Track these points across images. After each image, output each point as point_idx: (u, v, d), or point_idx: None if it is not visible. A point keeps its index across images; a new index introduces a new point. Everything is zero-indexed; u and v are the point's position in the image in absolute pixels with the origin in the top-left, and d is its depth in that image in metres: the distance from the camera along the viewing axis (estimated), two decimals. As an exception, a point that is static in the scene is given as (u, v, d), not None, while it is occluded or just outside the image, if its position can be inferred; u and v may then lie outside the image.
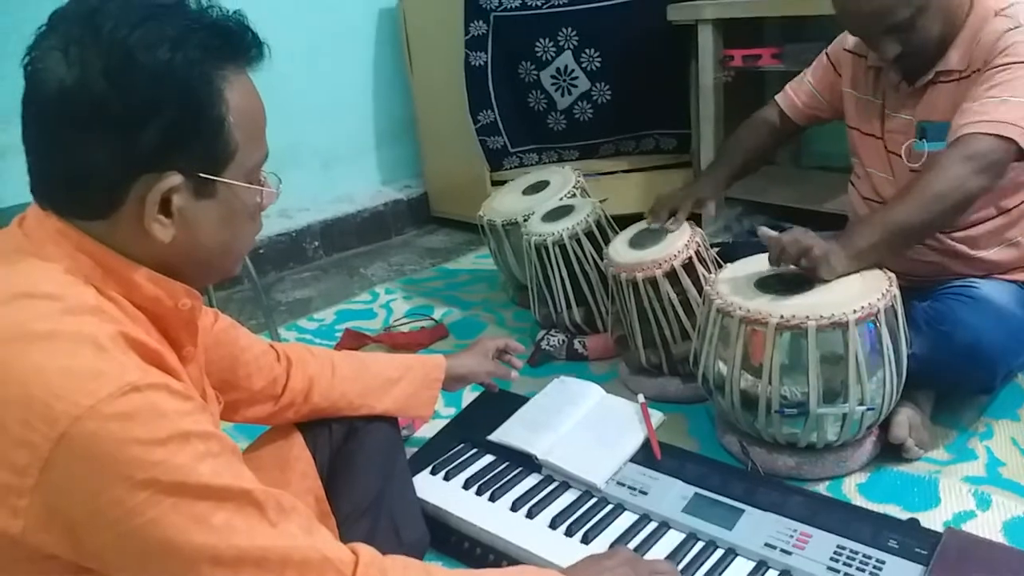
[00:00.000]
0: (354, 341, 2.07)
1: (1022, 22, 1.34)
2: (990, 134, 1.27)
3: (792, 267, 1.33)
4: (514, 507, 1.28)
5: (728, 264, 1.52)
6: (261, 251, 2.76)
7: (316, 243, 2.93)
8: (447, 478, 1.37)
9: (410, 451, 1.47)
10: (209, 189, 0.75)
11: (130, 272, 0.75)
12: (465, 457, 1.42)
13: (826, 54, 1.68)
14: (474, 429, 1.47)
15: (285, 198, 3.04)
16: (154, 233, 0.74)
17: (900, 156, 1.50)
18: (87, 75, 0.68)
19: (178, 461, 0.67)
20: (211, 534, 0.69)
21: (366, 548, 0.82)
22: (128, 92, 0.69)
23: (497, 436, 1.42)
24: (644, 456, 1.35)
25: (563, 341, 1.94)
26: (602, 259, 1.76)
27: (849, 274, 1.33)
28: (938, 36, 1.38)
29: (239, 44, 0.76)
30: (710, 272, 1.60)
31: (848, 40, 1.62)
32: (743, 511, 1.19)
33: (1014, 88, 1.29)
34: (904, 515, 1.25)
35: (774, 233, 1.35)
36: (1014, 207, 1.45)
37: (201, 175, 0.74)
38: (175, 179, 0.72)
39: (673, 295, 1.60)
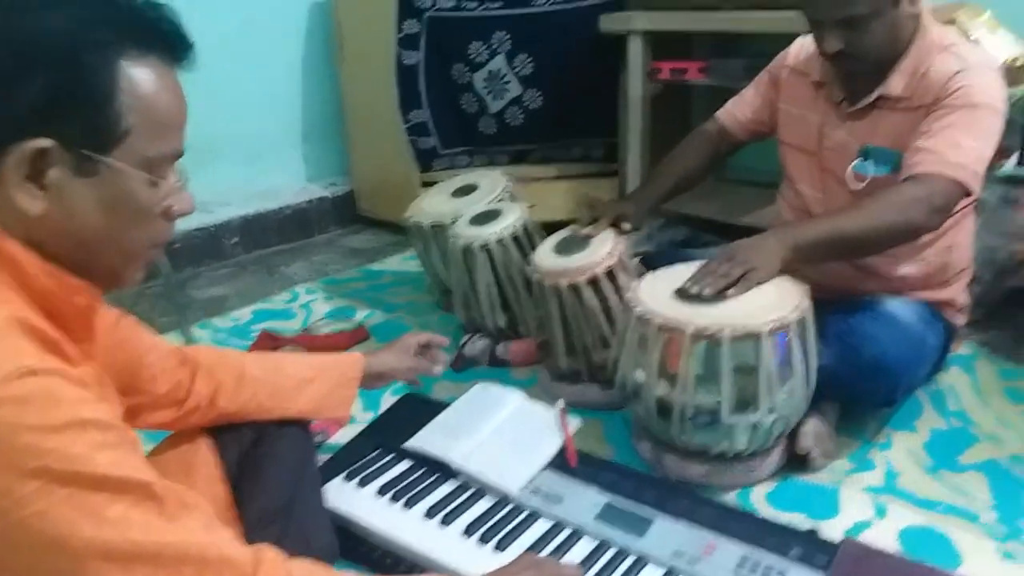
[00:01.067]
0: (270, 343, 2.01)
1: (970, 63, 1.40)
2: (950, 177, 1.33)
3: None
4: (428, 515, 1.26)
5: (649, 272, 1.54)
6: (176, 246, 2.66)
7: (235, 239, 2.84)
8: (361, 485, 1.34)
9: (325, 457, 1.44)
10: (91, 167, 0.71)
11: (22, 260, 0.71)
12: (380, 463, 1.39)
13: (767, 71, 1.72)
14: (391, 435, 1.45)
15: (206, 191, 2.97)
16: (19, 201, 0.69)
17: (834, 174, 1.55)
18: None
19: (73, 450, 0.64)
20: (104, 527, 0.65)
21: (270, 548, 0.79)
22: (8, 51, 0.67)
23: (414, 443, 1.40)
24: (560, 463, 1.35)
25: (486, 346, 1.93)
26: (528, 265, 1.76)
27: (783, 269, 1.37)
28: (880, 50, 1.42)
29: (155, 31, 0.74)
30: (632, 280, 1.62)
31: (790, 57, 1.66)
32: (653, 519, 1.20)
33: (967, 131, 1.35)
34: (808, 524, 1.29)
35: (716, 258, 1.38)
36: (942, 231, 1.50)
37: (83, 151, 0.71)
38: (43, 142, 0.69)
39: (595, 302, 1.61)
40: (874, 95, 1.47)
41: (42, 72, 0.68)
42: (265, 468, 1.18)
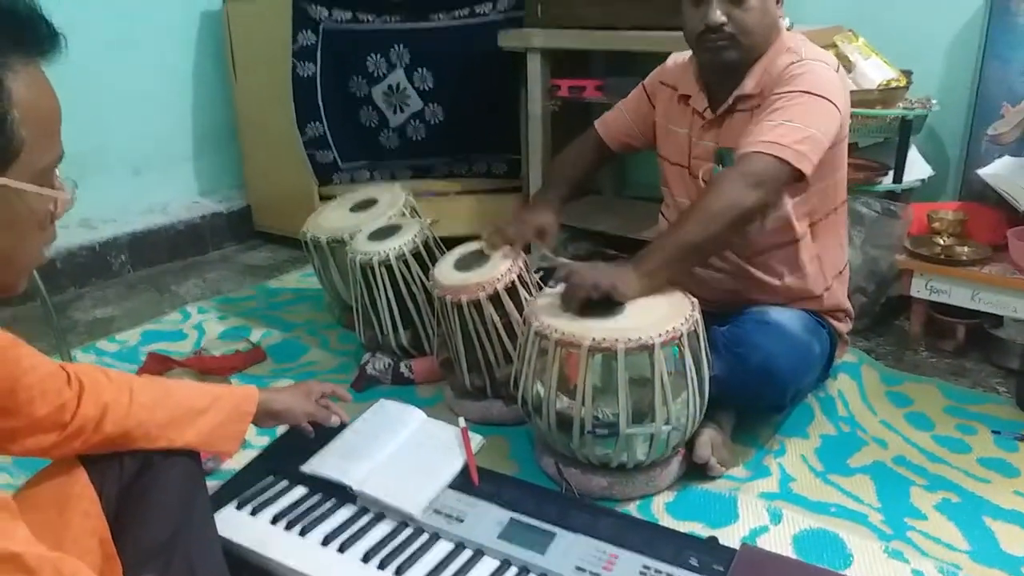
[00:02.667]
0: (159, 365, 1.90)
1: (803, 56, 1.47)
2: (765, 153, 1.38)
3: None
4: (325, 542, 1.21)
5: (547, 287, 1.54)
6: (58, 265, 2.51)
7: (123, 257, 2.70)
8: (254, 513, 1.29)
9: (215, 484, 1.37)
10: None
11: None
12: (275, 490, 1.34)
13: (643, 85, 1.76)
14: (286, 460, 1.39)
15: (89, 207, 2.82)
16: None
17: (704, 182, 1.59)
18: None
19: None
20: None
21: None
22: None
23: (310, 467, 1.35)
24: (462, 482, 1.33)
25: (388, 365, 1.89)
26: (429, 280, 1.73)
27: (657, 295, 1.39)
28: (755, 35, 1.46)
29: (27, 33, 0.69)
30: (532, 295, 1.62)
31: (663, 73, 1.70)
32: (555, 534, 1.19)
33: (790, 113, 1.40)
34: (707, 532, 1.32)
35: (560, 261, 1.39)
36: (799, 239, 1.57)
37: None
38: None
39: (496, 318, 1.60)
40: (732, 97, 1.52)
41: None
42: (149, 500, 1.11)
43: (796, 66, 1.45)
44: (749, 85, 1.50)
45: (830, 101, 1.43)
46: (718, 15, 1.43)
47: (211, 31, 2.87)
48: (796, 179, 1.41)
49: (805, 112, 1.41)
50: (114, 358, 2.07)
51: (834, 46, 2.20)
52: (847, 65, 2.19)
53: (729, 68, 1.50)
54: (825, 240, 1.62)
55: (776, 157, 1.37)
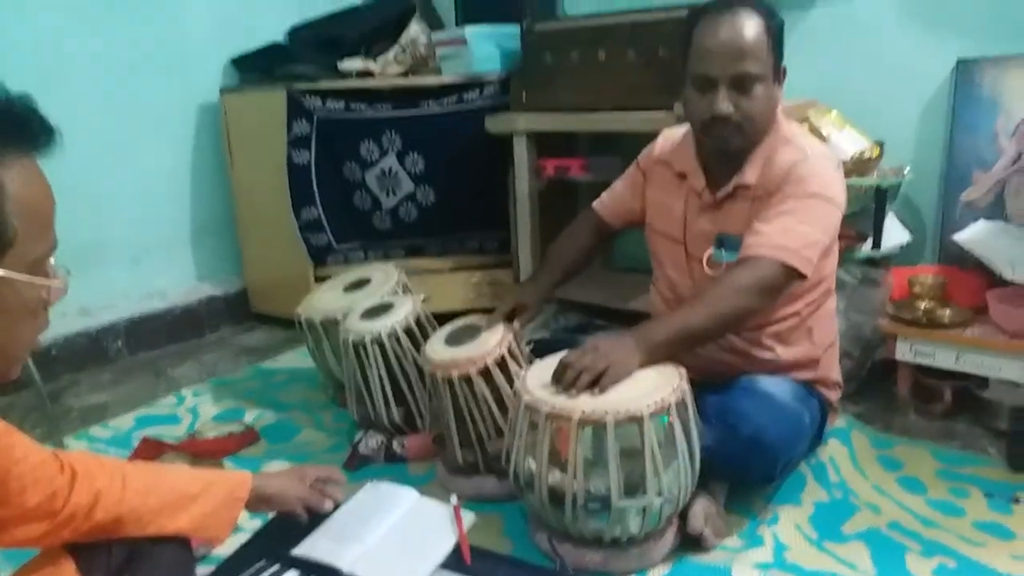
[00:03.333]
0: (151, 451, 1.90)
1: (808, 154, 1.52)
2: (775, 259, 1.43)
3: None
4: (316, 626, 1.21)
5: (538, 360, 1.57)
6: (54, 352, 2.53)
7: (119, 342, 2.72)
8: (245, 599, 1.28)
9: (207, 571, 1.36)
10: None
11: None
12: (266, 575, 1.33)
13: (637, 163, 1.81)
14: (277, 543, 1.39)
15: (87, 295, 2.85)
16: None
17: (700, 261, 1.63)
18: None
19: None
20: None
21: None
22: None
23: (301, 551, 1.34)
24: (455, 560, 1.33)
25: (381, 443, 1.90)
26: (420, 357, 1.76)
27: (642, 367, 1.41)
28: (759, 121, 1.50)
29: (22, 128, 0.73)
30: (522, 368, 1.64)
31: (656, 148, 1.76)
32: (549, 611, 1.19)
33: (800, 217, 1.46)
34: (702, 604, 1.31)
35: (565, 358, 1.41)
36: (791, 315, 1.61)
37: None
38: None
39: (487, 393, 1.62)
40: (731, 184, 1.57)
41: None
42: (139, 589, 1.10)
43: (803, 165, 1.49)
44: (750, 175, 1.54)
45: (833, 203, 1.50)
46: (727, 106, 1.47)
47: (208, 122, 2.97)
48: (797, 281, 1.47)
49: (814, 216, 1.46)
50: (106, 444, 2.07)
51: (807, 119, 2.29)
52: (820, 138, 2.27)
53: (732, 154, 1.55)
54: (816, 315, 1.65)
55: (785, 264, 1.43)
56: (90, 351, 2.65)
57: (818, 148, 1.57)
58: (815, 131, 2.28)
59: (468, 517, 1.41)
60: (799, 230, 1.45)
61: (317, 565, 1.32)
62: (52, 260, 0.79)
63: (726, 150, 1.54)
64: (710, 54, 1.47)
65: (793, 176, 1.49)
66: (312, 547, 1.35)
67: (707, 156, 1.61)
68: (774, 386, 1.58)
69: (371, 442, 1.90)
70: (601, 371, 1.36)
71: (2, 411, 2.18)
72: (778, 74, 1.52)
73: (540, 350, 1.74)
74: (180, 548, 1.17)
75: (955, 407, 2.02)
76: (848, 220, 2.31)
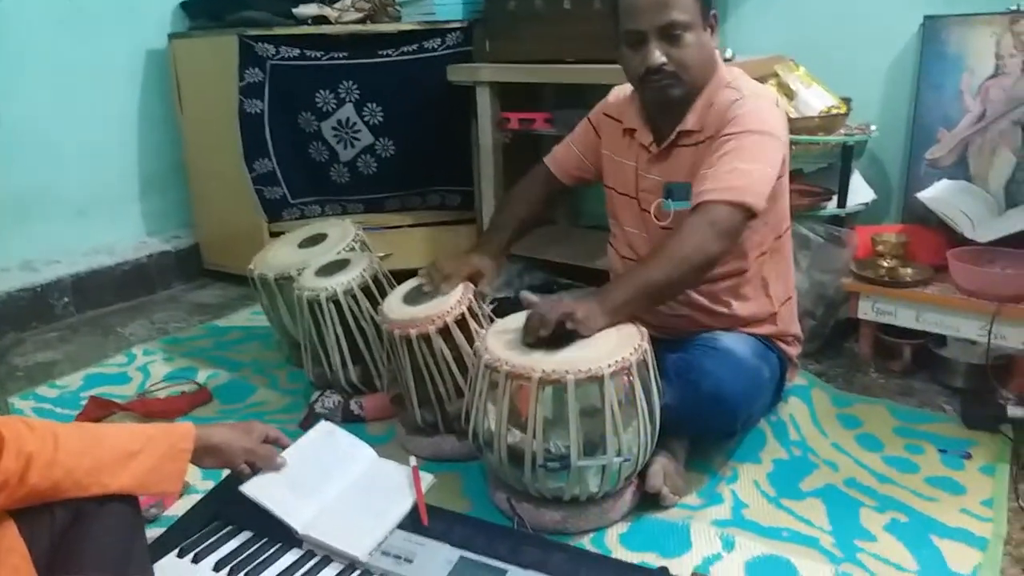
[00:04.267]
0: (99, 410, 1.84)
1: (744, 93, 1.50)
2: (724, 202, 1.40)
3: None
4: (270, 588, 1.18)
5: (498, 319, 1.53)
6: (-4, 308, 2.43)
7: (66, 299, 2.62)
8: (196, 560, 1.25)
9: (157, 532, 1.32)
10: None
11: None
12: (218, 536, 1.30)
13: (588, 118, 1.78)
14: (230, 503, 1.34)
15: (31, 249, 2.76)
16: None
17: (651, 214, 1.60)
18: None
19: None
20: None
21: None
22: None
23: (250, 489, 1.28)
24: (412, 521, 1.30)
25: (338, 402, 1.86)
26: (378, 315, 1.71)
27: (606, 328, 1.39)
28: (694, 70, 1.48)
29: None
30: (482, 327, 1.61)
31: (607, 105, 1.72)
32: (507, 571, 1.18)
33: (742, 156, 1.43)
34: (661, 562, 1.30)
35: (535, 298, 1.40)
36: (743, 269, 1.59)
37: None
38: None
39: (447, 352, 1.58)
40: (675, 132, 1.55)
41: None
42: (83, 552, 1.06)
43: (738, 104, 1.48)
44: (691, 121, 1.53)
45: (774, 136, 1.47)
46: (658, 56, 1.45)
47: (157, 70, 2.84)
48: (752, 217, 1.44)
49: (756, 152, 1.44)
50: (54, 404, 2.00)
51: (776, 75, 2.26)
52: (788, 93, 2.24)
53: (673, 104, 1.53)
54: (772, 268, 1.64)
55: (734, 203, 1.40)
56: (35, 308, 2.55)
57: (754, 87, 1.55)
58: (783, 87, 2.25)
59: (427, 479, 1.38)
60: (743, 168, 1.43)
61: (269, 522, 1.27)
62: None
63: (666, 101, 1.52)
64: (635, 8, 1.46)
65: (730, 116, 1.47)
66: (262, 491, 1.29)
67: (650, 110, 1.60)
68: (733, 342, 1.57)
69: (328, 402, 1.86)
70: (565, 321, 1.34)
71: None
72: (707, 20, 1.50)
73: (503, 309, 1.70)
74: (126, 507, 1.13)
75: (914, 365, 2.04)
76: (814, 177, 2.32)
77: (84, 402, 1.92)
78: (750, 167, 1.43)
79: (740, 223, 1.43)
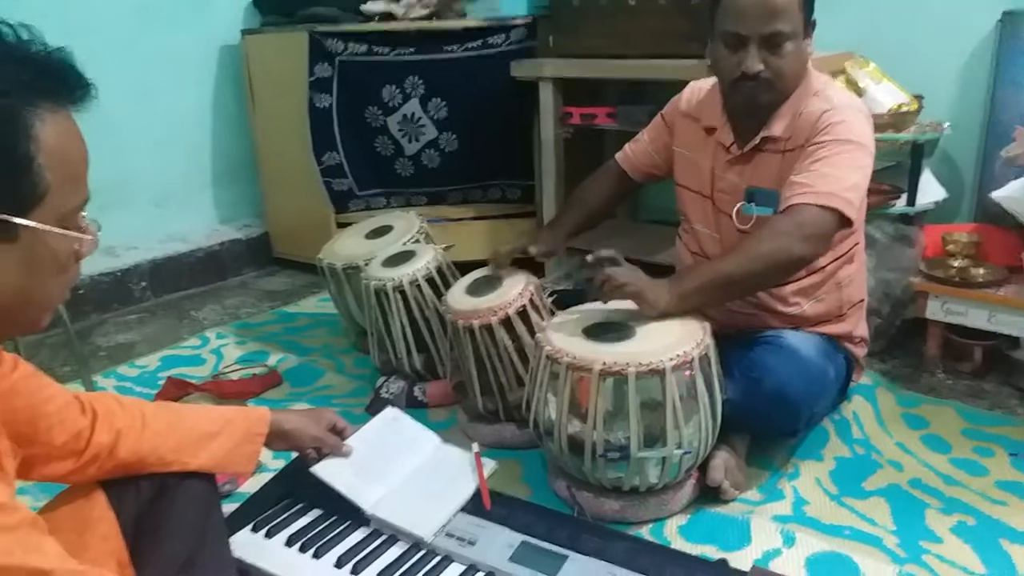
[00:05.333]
0: (176, 390, 1.93)
1: (835, 103, 1.48)
2: (815, 205, 1.39)
3: (613, 305, 1.39)
4: (339, 563, 1.22)
5: (560, 311, 1.56)
6: (81, 291, 2.56)
7: (144, 283, 2.75)
8: (269, 535, 1.30)
9: (232, 507, 1.38)
10: (10, 232, 0.69)
11: None
12: (289, 513, 1.35)
13: (662, 115, 1.77)
14: (300, 482, 1.40)
15: (111, 236, 2.89)
16: None
17: (728, 215, 1.60)
18: None
19: None
20: None
21: None
22: None
23: (320, 470, 1.33)
24: (475, 505, 1.33)
25: (402, 388, 1.91)
26: (442, 305, 1.75)
27: (670, 319, 1.40)
28: (788, 79, 1.47)
29: (58, 82, 0.72)
30: (544, 320, 1.63)
31: (682, 102, 1.72)
32: (567, 557, 1.19)
33: (835, 163, 1.42)
34: (719, 555, 1.31)
35: (607, 253, 1.43)
36: (819, 269, 1.58)
37: (3, 217, 0.68)
38: None
39: (508, 342, 1.61)
40: (759, 137, 1.54)
41: None
42: (165, 523, 1.12)
43: (831, 114, 1.46)
44: (777, 128, 1.51)
45: (865, 148, 1.46)
46: (757, 63, 1.44)
47: (230, 64, 2.94)
48: (843, 226, 1.43)
49: (848, 161, 1.43)
50: (134, 383, 2.10)
51: (844, 72, 2.22)
52: (858, 91, 2.20)
53: (761, 109, 1.52)
54: (844, 271, 1.62)
55: (826, 208, 1.39)
56: (116, 291, 2.67)
57: (845, 98, 1.54)
58: (852, 84, 2.21)
59: (488, 464, 1.41)
60: (836, 174, 1.42)
61: (338, 501, 1.32)
62: (84, 213, 0.78)
63: (755, 106, 1.51)
64: (741, 12, 1.44)
65: (822, 126, 1.46)
66: (332, 474, 1.33)
67: (735, 111, 1.58)
68: (799, 341, 1.56)
69: (393, 387, 1.91)
70: (636, 292, 1.38)
71: (32, 349, 2.22)
72: (808, 28, 1.48)
73: (562, 301, 1.73)
74: (205, 484, 1.19)
75: (984, 367, 1.99)
76: (883, 175, 2.27)
77: (162, 382, 2.01)
78: (844, 175, 1.42)
79: (830, 228, 1.42)
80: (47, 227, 0.72)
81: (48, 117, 0.70)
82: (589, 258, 1.46)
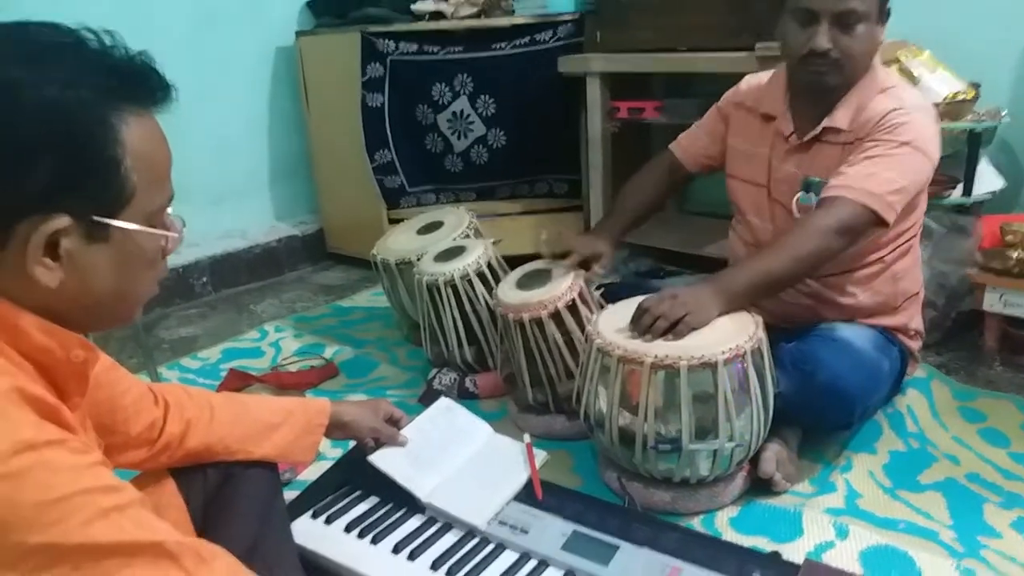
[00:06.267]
0: (238, 381, 2.01)
1: (906, 104, 1.46)
2: (856, 201, 1.39)
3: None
4: (396, 550, 1.26)
5: (610, 304, 1.57)
6: (145, 287, 2.65)
7: (204, 279, 2.84)
8: (328, 522, 1.34)
9: (292, 495, 1.43)
10: (102, 233, 0.72)
11: (17, 319, 0.71)
12: (347, 500, 1.39)
13: (717, 107, 1.77)
14: (358, 471, 1.44)
15: (172, 233, 2.90)
16: (38, 277, 0.69)
17: (783, 205, 1.60)
18: None
19: (75, 521, 0.63)
20: None
21: None
22: (12, 132, 0.66)
23: (377, 459, 1.37)
24: (527, 495, 1.36)
25: (455, 379, 1.95)
26: (492, 299, 1.79)
27: (721, 315, 1.41)
28: (857, 60, 1.45)
29: (141, 85, 0.74)
30: (593, 313, 1.65)
31: (739, 93, 1.71)
32: (619, 547, 1.21)
33: (887, 163, 1.41)
34: (771, 547, 1.32)
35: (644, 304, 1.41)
36: (875, 261, 1.57)
37: (94, 218, 0.71)
38: (62, 221, 0.69)
39: (558, 335, 1.64)
40: (820, 127, 1.52)
41: (51, 152, 0.67)
42: (231, 509, 1.17)
43: (898, 114, 1.44)
44: (841, 119, 1.50)
45: (927, 155, 1.44)
46: (826, 41, 1.42)
47: (285, 65, 3.02)
48: (878, 226, 1.43)
49: (904, 165, 1.42)
50: (196, 374, 2.18)
51: (898, 61, 2.18)
52: (912, 80, 2.16)
53: (825, 92, 1.50)
54: (900, 263, 1.61)
55: (866, 207, 1.39)
56: (178, 286, 2.77)
57: (917, 99, 1.51)
58: (905, 73, 2.17)
59: (540, 455, 1.44)
60: (885, 176, 1.40)
61: (394, 489, 1.35)
62: (169, 211, 0.81)
63: (819, 88, 1.49)
64: None
65: (887, 124, 1.44)
66: (389, 463, 1.37)
67: (797, 95, 1.56)
68: (853, 333, 1.55)
69: (445, 379, 1.95)
70: (679, 318, 1.36)
71: (101, 341, 2.31)
72: (882, 14, 1.46)
73: (609, 295, 1.74)
74: (268, 472, 1.24)
75: (1045, 360, 1.94)
76: (939, 165, 2.22)
77: (223, 373, 2.09)
78: (893, 177, 1.40)
79: (864, 227, 1.42)
80: (136, 227, 0.74)
81: (133, 120, 0.72)
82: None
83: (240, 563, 0.77)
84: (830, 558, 1.31)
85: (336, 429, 1.34)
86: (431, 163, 2.78)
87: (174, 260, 2.75)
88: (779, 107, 1.59)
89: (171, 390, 1.19)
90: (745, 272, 1.45)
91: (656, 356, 1.32)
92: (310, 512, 1.36)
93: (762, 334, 1.38)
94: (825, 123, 1.51)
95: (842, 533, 1.37)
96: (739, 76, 1.76)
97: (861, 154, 1.44)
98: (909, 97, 1.49)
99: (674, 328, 1.36)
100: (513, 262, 1.95)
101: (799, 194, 1.56)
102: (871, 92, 1.48)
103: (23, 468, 0.63)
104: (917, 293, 1.69)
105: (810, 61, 1.45)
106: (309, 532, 1.30)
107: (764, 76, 1.67)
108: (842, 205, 1.40)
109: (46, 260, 0.70)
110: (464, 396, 1.93)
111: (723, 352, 1.31)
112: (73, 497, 0.64)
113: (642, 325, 1.38)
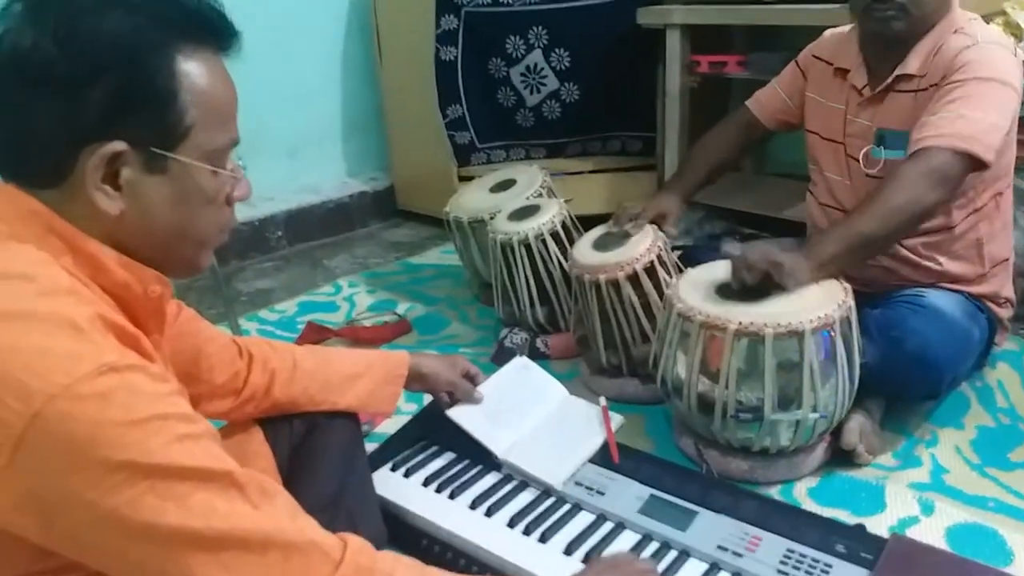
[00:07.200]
0: (316, 335, 2.05)
1: (979, 39, 1.39)
2: (946, 148, 1.32)
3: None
4: (473, 505, 1.28)
5: (690, 268, 1.54)
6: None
7: (279, 233, 2.90)
8: (407, 475, 1.37)
9: (370, 447, 1.46)
10: (160, 164, 0.74)
11: (99, 255, 0.74)
12: (425, 455, 1.42)
13: (796, 61, 1.72)
14: (435, 427, 1.47)
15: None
16: (98, 203, 0.72)
17: (858, 161, 1.54)
18: (40, 37, 0.69)
19: (155, 442, 0.67)
20: (190, 516, 0.68)
21: (355, 537, 0.81)
22: (74, 54, 0.69)
23: (455, 414, 1.39)
24: (602, 458, 1.36)
25: (526, 339, 1.95)
26: (567, 260, 1.77)
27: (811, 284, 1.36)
28: (929, 6, 1.40)
29: (204, 26, 0.76)
30: (671, 276, 1.63)
31: (817, 47, 1.66)
32: (697, 513, 1.21)
33: (970, 103, 1.34)
34: (852, 520, 1.29)
35: (738, 251, 1.38)
36: (956, 225, 1.50)
37: (152, 149, 0.73)
38: (118, 145, 0.71)
39: (634, 298, 1.62)
40: (892, 76, 1.46)
41: (109, 76, 0.70)
42: (316, 459, 1.21)
43: (970, 51, 1.37)
44: (913, 64, 1.44)
45: (1007, 85, 1.36)
46: None
47: (359, 18, 3.00)
48: (978, 169, 1.35)
49: (988, 100, 1.35)
50: (274, 326, 2.24)
51: (1003, 13, 2.05)
52: (1016, 33, 2.03)
53: (895, 40, 1.44)
54: (987, 227, 1.53)
55: (958, 151, 1.32)
56: (253, 239, 2.83)
57: (989, 33, 1.43)
58: (1010, 26, 2.03)
59: (616, 418, 1.44)
60: (973, 116, 1.33)
61: (471, 445, 1.37)
62: (233, 156, 0.82)
63: (887, 36, 1.43)
64: None
65: (960, 62, 1.37)
66: (467, 418, 1.39)
67: (869, 46, 1.51)
68: (942, 300, 1.50)
69: (516, 338, 1.96)
70: (772, 272, 1.32)
71: (181, 292, 2.40)
72: None
73: (686, 258, 1.71)
74: (351, 423, 1.28)
75: None
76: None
77: (301, 326, 2.14)
78: (979, 115, 1.33)
79: (961, 172, 1.35)
80: (191, 161, 0.75)
81: (194, 57, 0.74)
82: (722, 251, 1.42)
83: (298, 505, 0.79)
84: (914, 534, 1.28)
85: (415, 381, 1.36)
86: (502, 118, 2.75)
87: (250, 213, 2.82)
88: (853, 60, 1.54)
89: (255, 343, 1.23)
90: (834, 237, 1.39)
91: (740, 323, 1.29)
92: (389, 464, 1.39)
93: (851, 302, 1.33)
94: (898, 71, 1.46)
95: (927, 509, 1.33)
96: (825, 29, 1.69)
97: (940, 100, 1.37)
98: (981, 31, 1.42)
99: (765, 280, 1.32)
100: (584, 221, 1.93)
101: (869, 147, 1.51)
102: (944, 34, 1.42)
103: (108, 389, 0.66)
104: (1007, 259, 1.62)
105: (875, 7, 1.40)
106: (389, 484, 1.34)
107: (843, 30, 1.61)
108: (933, 154, 1.33)
109: (106, 187, 0.72)
110: (535, 356, 1.91)
111: (811, 320, 1.27)
112: (152, 420, 0.67)
113: (736, 273, 1.34)
